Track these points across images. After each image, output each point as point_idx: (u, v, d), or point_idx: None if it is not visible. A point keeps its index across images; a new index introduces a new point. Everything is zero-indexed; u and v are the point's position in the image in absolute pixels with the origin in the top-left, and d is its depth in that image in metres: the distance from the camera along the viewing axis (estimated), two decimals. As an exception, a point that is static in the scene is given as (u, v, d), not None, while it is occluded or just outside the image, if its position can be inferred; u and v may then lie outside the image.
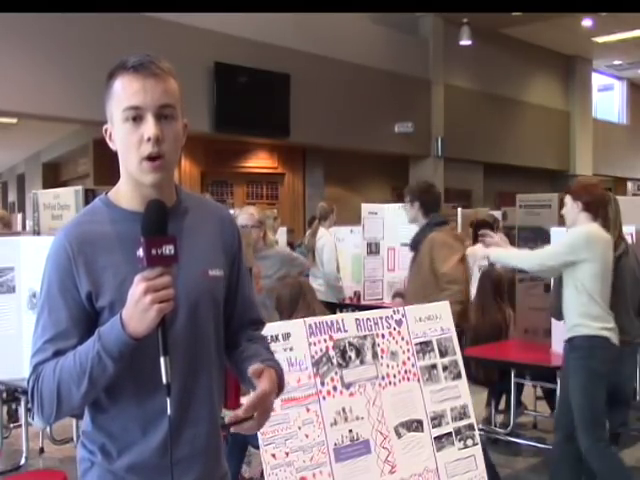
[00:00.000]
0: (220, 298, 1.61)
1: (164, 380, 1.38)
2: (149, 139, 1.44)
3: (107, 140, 1.52)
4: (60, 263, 1.48)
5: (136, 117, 1.45)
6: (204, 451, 1.57)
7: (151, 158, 1.45)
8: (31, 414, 4.19)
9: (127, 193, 1.53)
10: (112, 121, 1.50)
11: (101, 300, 1.46)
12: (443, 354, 2.93)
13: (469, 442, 2.88)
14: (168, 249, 1.36)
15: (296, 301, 3.66)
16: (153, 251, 1.35)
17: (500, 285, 5.31)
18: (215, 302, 1.59)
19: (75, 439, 4.39)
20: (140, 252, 1.35)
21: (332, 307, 6.12)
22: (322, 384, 2.56)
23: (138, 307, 1.35)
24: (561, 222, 5.06)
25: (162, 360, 1.38)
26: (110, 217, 1.52)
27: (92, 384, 1.40)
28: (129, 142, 1.46)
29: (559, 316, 4.02)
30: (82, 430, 1.59)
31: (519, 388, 4.99)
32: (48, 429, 4.85)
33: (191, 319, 1.52)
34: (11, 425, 5.03)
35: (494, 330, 5.20)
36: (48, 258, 1.51)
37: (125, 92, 1.46)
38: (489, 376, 5.06)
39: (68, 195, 4.48)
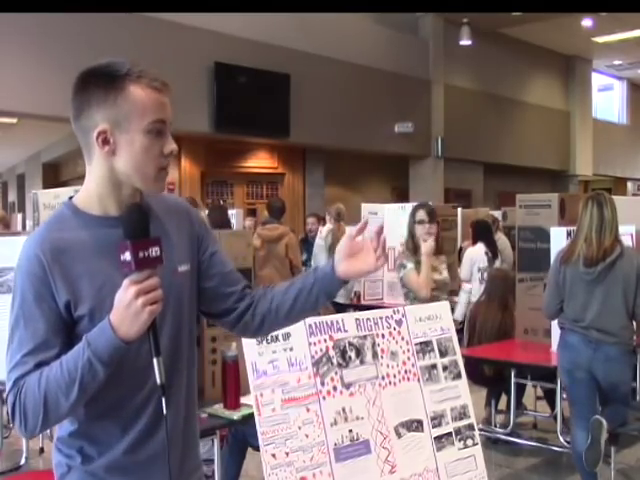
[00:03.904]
0: (192, 292, 1.62)
1: (158, 381, 1.39)
2: (171, 153, 1.48)
3: (99, 142, 1.46)
4: (34, 273, 1.44)
5: (159, 130, 1.47)
6: (181, 448, 1.60)
7: (164, 169, 1.50)
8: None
9: (101, 198, 1.51)
10: (122, 127, 1.45)
11: (80, 308, 1.44)
12: (443, 354, 2.93)
13: (469, 442, 2.88)
14: (154, 251, 1.37)
15: None
16: (140, 254, 1.35)
17: (508, 284, 5.33)
18: (188, 297, 1.61)
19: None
20: (127, 256, 1.35)
21: (339, 307, 6.08)
22: (322, 384, 2.56)
23: (130, 311, 1.35)
24: (561, 222, 5.07)
25: (155, 361, 1.39)
26: (80, 224, 1.50)
27: (82, 392, 1.40)
28: (151, 153, 1.46)
29: (554, 316, 4.05)
30: (57, 436, 1.57)
31: (520, 388, 4.99)
32: (48, 429, 4.85)
33: (167, 316, 1.53)
34: (11, 425, 5.02)
35: (499, 330, 5.20)
36: (19, 269, 1.46)
37: (153, 104, 1.46)
38: (483, 374, 5.06)
39: (68, 195, 4.48)
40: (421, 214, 4.25)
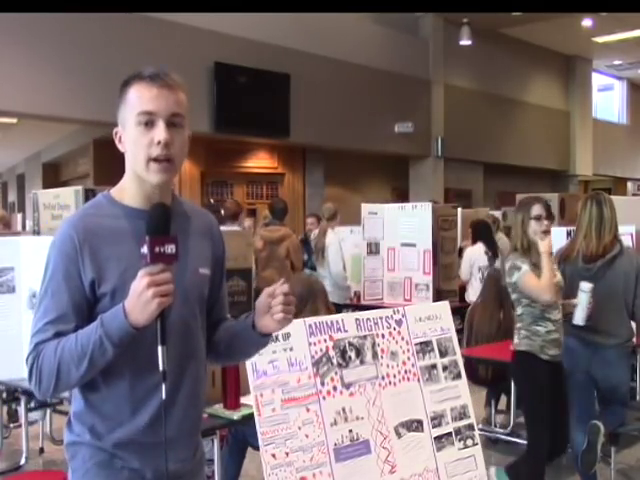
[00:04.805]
0: (206, 294, 1.76)
1: (160, 367, 1.49)
2: (159, 142, 1.57)
3: (116, 142, 1.66)
4: (66, 251, 1.58)
5: (148, 122, 1.58)
6: (188, 433, 1.71)
7: (158, 160, 1.58)
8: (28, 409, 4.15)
9: (131, 191, 1.65)
10: (124, 125, 1.63)
11: (103, 287, 1.58)
12: (443, 354, 2.93)
13: (469, 442, 2.88)
14: (170, 248, 1.49)
15: (305, 301, 3.60)
16: (156, 249, 1.47)
17: (502, 285, 5.30)
18: (203, 297, 1.75)
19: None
20: (144, 249, 1.47)
21: (338, 307, 6.10)
22: (322, 384, 2.56)
23: (141, 299, 1.46)
24: (561, 222, 5.08)
25: (159, 349, 1.50)
26: (113, 212, 1.64)
27: (91, 366, 1.52)
28: (139, 143, 1.59)
29: None
30: (73, 411, 1.67)
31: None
32: (48, 429, 4.86)
33: (183, 312, 1.65)
34: (11, 425, 5.03)
35: (498, 330, 5.20)
36: (53, 246, 1.62)
37: (140, 98, 1.59)
38: (483, 375, 5.06)
39: (68, 195, 4.48)
40: (538, 209, 3.68)
